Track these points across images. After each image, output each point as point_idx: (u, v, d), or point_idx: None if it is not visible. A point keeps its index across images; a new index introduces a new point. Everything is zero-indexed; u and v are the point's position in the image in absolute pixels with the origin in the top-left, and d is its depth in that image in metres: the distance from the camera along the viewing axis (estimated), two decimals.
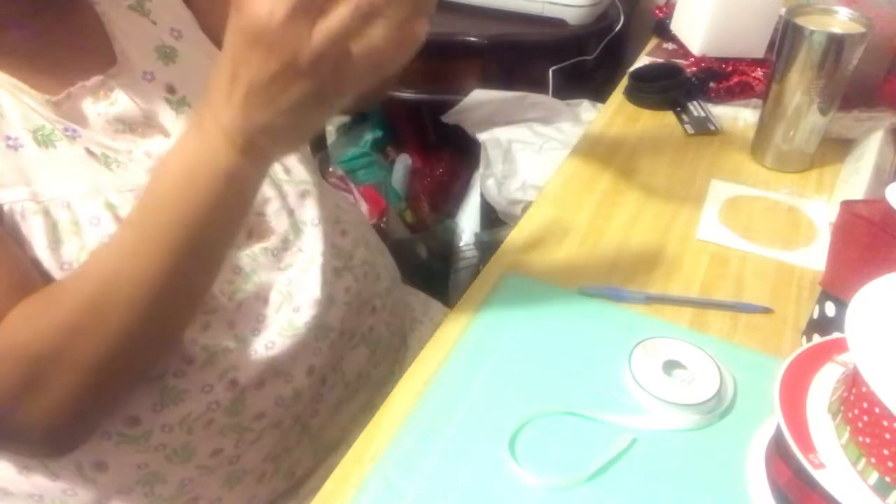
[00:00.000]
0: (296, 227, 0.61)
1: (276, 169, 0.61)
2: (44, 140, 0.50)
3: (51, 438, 0.49)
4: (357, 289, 0.66)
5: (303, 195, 0.62)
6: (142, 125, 0.56)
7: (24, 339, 0.45)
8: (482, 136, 1.29)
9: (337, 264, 0.64)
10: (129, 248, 0.45)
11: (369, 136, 1.70)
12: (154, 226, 0.44)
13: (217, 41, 0.64)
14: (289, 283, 0.60)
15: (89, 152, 0.52)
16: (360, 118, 1.78)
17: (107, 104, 0.54)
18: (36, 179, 0.49)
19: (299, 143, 0.45)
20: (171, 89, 0.59)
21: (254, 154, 0.42)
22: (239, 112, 0.40)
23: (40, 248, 0.49)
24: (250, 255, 0.58)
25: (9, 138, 0.49)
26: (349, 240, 0.67)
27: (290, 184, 0.62)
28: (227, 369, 0.55)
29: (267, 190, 0.60)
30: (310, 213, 0.62)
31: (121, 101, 0.55)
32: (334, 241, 0.65)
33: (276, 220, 0.60)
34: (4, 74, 0.51)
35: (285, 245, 0.60)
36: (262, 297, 0.58)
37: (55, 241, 0.49)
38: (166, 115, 0.58)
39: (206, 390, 0.55)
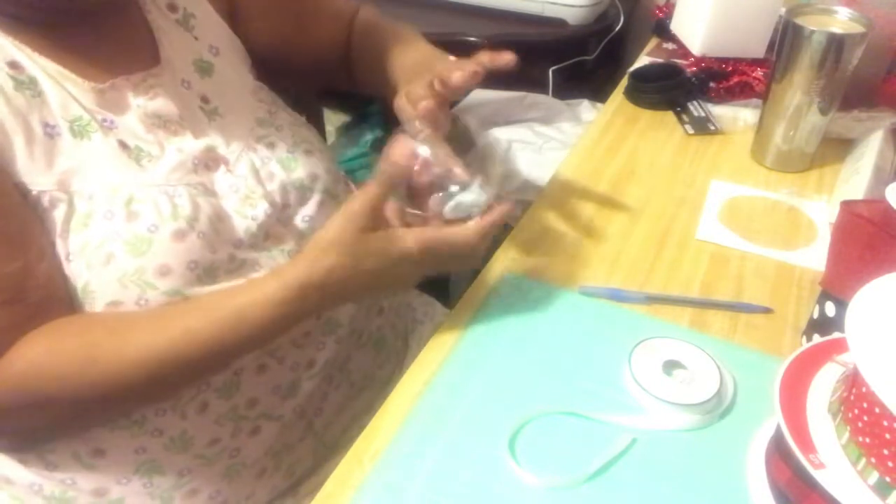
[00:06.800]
0: (301, 236, 0.62)
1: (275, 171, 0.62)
2: (79, 131, 0.52)
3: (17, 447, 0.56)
4: None
5: (319, 203, 0.65)
6: (175, 123, 0.58)
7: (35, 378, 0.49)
8: (482, 136, 1.29)
9: None
10: (193, 342, 0.50)
11: (369, 136, 1.69)
12: (228, 334, 0.51)
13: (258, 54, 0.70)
14: None
15: (122, 145, 0.54)
16: (360, 118, 1.78)
17: (146, 98, 0.56)
18: (66, 169, 0.51)
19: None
20: (205, 99, 0.61)
21: (322, 304, 0.53)
22: (336, 284, 0.51)
23: (56, 235, 0.51)
24: (269, 256, 0.59)
25: (47, 125, 0.51)
26: None
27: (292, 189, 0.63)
28: None
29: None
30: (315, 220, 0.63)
31: (159, 98, 0.57)
32: None
33: (288, 227, 0.62)
34: (51, 62, 0.52)
35: (299, 247, 0.61)
36: None
37: (65, 231, 0.51)
38: (199, 119, 0.60)
39: None
